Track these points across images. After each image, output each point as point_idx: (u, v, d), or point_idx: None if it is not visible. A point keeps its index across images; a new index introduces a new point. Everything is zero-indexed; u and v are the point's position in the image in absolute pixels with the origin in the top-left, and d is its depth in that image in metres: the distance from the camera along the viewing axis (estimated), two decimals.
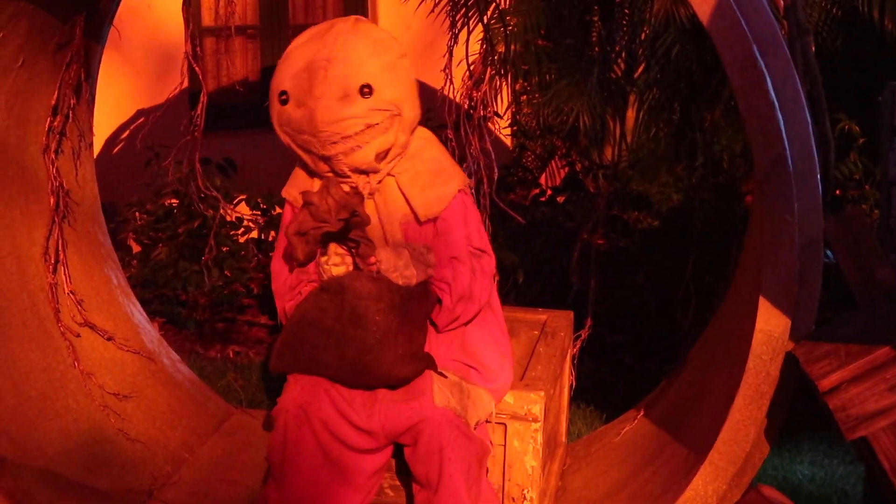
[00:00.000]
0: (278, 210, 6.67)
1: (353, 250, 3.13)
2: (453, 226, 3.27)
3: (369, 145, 3.11)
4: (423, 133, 3.34)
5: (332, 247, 3.13)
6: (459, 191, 3.28)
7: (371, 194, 3.22)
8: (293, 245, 3.10)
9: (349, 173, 3.17)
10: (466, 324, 3.32)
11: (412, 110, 3.19)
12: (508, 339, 3.50)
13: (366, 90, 3.05)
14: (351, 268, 3.14)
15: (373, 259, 3.07)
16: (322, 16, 8.55)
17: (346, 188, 3.14)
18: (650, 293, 6.29)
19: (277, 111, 3.16)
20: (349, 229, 3.07)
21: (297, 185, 3.33)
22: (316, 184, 3.26)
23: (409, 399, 3.10)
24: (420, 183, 3.25)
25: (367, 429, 3.11)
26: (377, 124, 3.09)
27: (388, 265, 3.06)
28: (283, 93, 3.12)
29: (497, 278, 4.01)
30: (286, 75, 3.13)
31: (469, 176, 4.30)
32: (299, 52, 3.14)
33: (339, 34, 3.11)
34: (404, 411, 3.09)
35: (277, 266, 3.36)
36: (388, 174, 3.24)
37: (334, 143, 3.08)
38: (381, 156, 3.16)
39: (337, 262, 3.14)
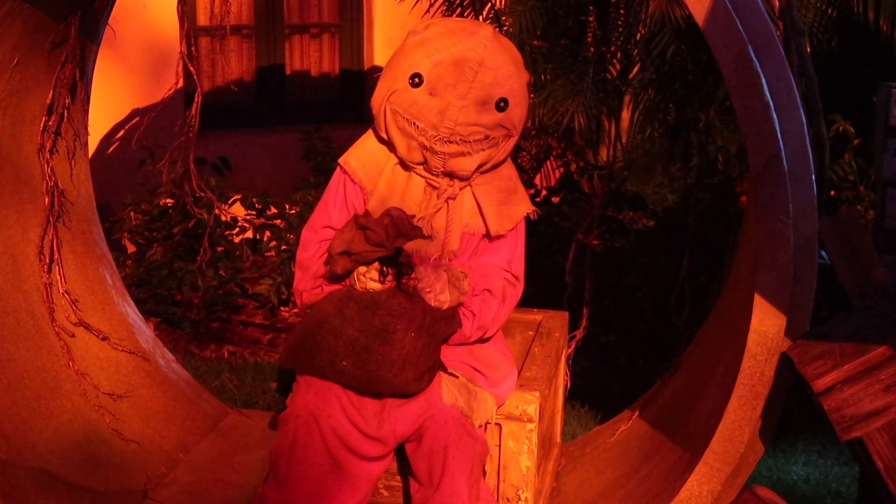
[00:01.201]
0: (273, 210, 6.66)
1: (402, 272, 3.11)
2: (504, 247, 3.32)
3: (478, 155, 3.14)
4: None
5: (376, 263, 3.12)
6: (527, 214, 3.34)
7: (450, 199, 3.23)
8: (334, 261, 3.09)
9: (440, 172, 3.18)
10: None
11: (520, 134, 3.24)
12: (508, 346, 3.52)
13: (502, 104, 3.10)
14: (387, 285, 3.12)
15: (413, 275, 3.07)
16: (317, 16, 8.55)
17: (420, 194, 3.17)
18: (645, 293, 6.30)
19: (399, 90, 3.13)
20: (400, 255, 3.06)
21: (362, 161, 3.30)
22: (391, 171, 3.25)
23: (416, 398, 3.10)
24: (496, 198, 3.28)
25: (378, 437, 3.10)
26: (494, 138, 3.13)
27: (425, 284, 3.07)
28: (418, 75, 3.10)
29: None
30: (426, 61, 3.10)
31: None
32: (445, 42, 3.11)
33: (489, 42, 3.11)
34: (412, 410, 3.09)
35: (308, 235, 3.31)
36: (469, 184, 3.25)
37: (451, 142, 3.09)
38: (480, 167, 3.19)
39: (374, 278, 3.11)
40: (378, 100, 3.19)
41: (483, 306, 3.23)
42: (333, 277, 3.17)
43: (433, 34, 3.16)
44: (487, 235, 3.29)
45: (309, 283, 3.27)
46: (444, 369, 3.15)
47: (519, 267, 3.36)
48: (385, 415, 3.10)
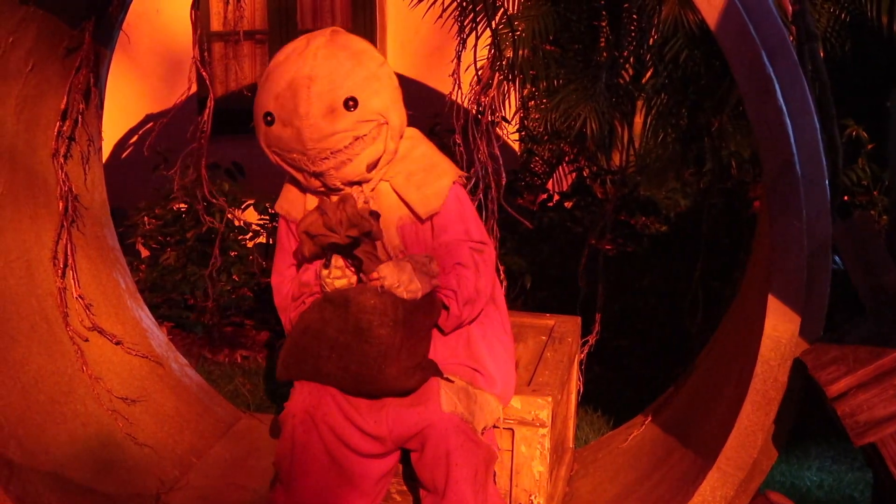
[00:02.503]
0: None
1: (356, 265, 3.13)
2: (451, 221, 3.27)
3: (359, 157, 3.11)
4: (410, 133, 3.33)
5: (335, 259, 3.13)
6: (454, 183, 3.28)
7: (366, 202, 3.22)
8: (301, 241, 3.12)
9: (342, 186, 3.17)
10: (471, 321, 3.32)
11: (398, 117, 3.18)
12: (511, 336, 3.49)
13: (350, 103, 3.04)
14: (353, 281, 3.14)
15: (375, 275, 3.07)
16: (331, 20, 8.57)
17: (362, 204, 3.15)
18: (658, 298, 6.29)
19: (264, 132, 3.16)
20: (356, 246, 3.07)
21: (289, 200, 3.35)
22: (308, 200, 3.28)
23: (416, 404, 3.10)
24: (415, 182, 3.25)
25: (375, 434, 3.11)
26: (365, 135, 3.09)
27: (391, 281, 3.05)
28: (269, 114, 3.11)
29: (504, 283, 4.01)
30: (269, 96, 3.11)
31: (476, 181, 4.31)
32: (279, 72, 3.12)
33: (318, 49, 3.09)
34: (411, 416, 3.09)
35: (277, 280, 3.38)
36: (381, 180, 3.24)
37: (324, 158, 3.08)
38: (372, 165, 3.16)
39: (338, 276, 3.14)
40: (262, 147, 3.22)
41: (460, 281, 3.20)
42: (304, 260, 3.20)
43: (272, 67, 3.17)
44: (420, 219, 3.27)
45: (291, 308, 3.30)
46: (441, 375, 3.15)
47: (479, 232, 3.32)
48: (383, 414, 3.11)
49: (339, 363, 3.07)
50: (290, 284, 3.32)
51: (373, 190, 3.23)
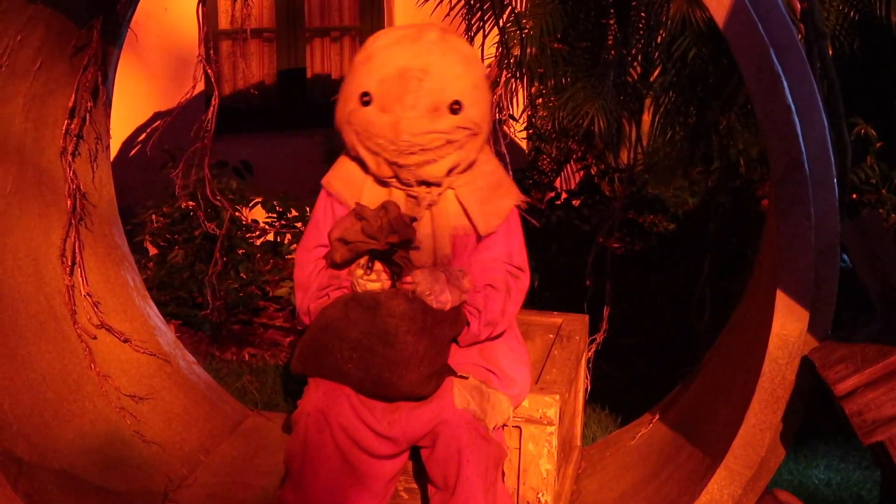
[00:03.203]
0: (294, 212, 6.68)
1: (393, 270, 3.12)
2: (498, 241, 3.28)
3: (445, 160, 3.11)
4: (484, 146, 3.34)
5: (375, 264, 3.13)
6: (514, 206, 3.30)
7: (430, 205, 3.21)
8: (333, 247, 3.11)
9: (414, 183, 3.16)
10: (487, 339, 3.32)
11: (488, 129, 3.22)
12: (524, 345, 3.50)
13: (455, 107, 3.06)
14: (387, 285, 3.14)
15: (409, 279, 3.07)
16: (338, 19, 8.58)
17: (401, 206, 3.14)
18: (666, 297, 6.29)
19: (353, 110, 3.13)
20: (394, 252, 3.07)
21: (343, 180, 3.32)
22: (368, 186, 3.25)
23: (428, 401, 3.10)
24: (479, 196, 3.25)
25: (388, 436, 3.11)
26: (457, 141, 3.10)
27: (424, 287, 3.05)
28: (367, 94, 3.09)
29: None
30: (372, 77, 3.10)
31: None
32: (387, 56, 3.11)
33: (433, 44, 3.09)
34: (424, 414, 3.09)
35: (303, 256, 3.35)
36: (449, 187, 3.23)
37: (412, 153, 3.07)
38: (451, 170, 3.16)
39: (374, 279, 3.14)
40: (340, 122, 3.20)
41: (488, 301, 3.21)
42: (333, 266, 3.19)
43: (377, 48, 3.15)
44: (478, 235, 3.27)
45: (313, 296, 3.28)
46: (454, 373, 3.15)
47: (521, 258, 3.33)
48: (397, 416, 3.10)
49: (359, 364, 3.06)
50: (314, 264, 3.30)
51: (440, 195, 3.22)
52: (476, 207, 3.23)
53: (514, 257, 3.30)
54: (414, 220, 3.11)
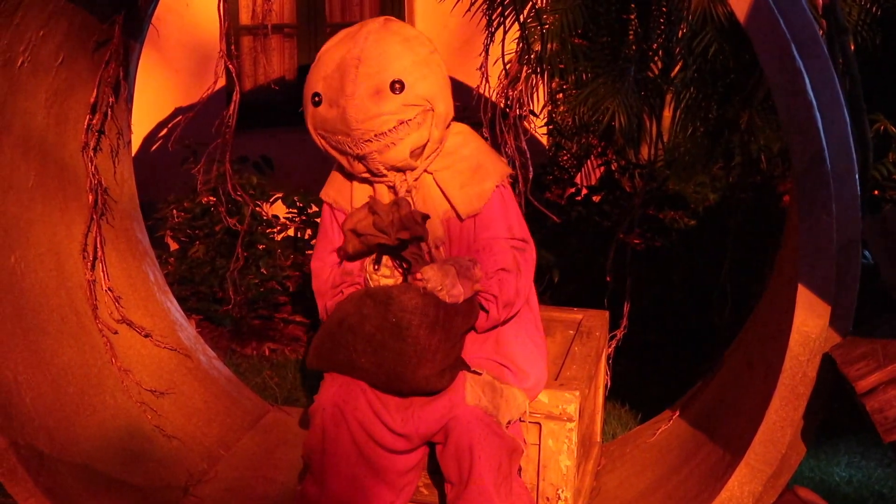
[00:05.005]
0: (314, 208, 6.70)
1: (404, 266, 3.13)
2: (494, 218, 3.27)
3: (403, 142, 3.11)
4: (461, 128, 3.34)
5: (384, 258, 3.14)
6: (497, 186, 3.27)
7: (409, 191, 3.22)
8: (346, 238, 3.13)
9: (385, 172, 3.18)
10: (506, 322, 3.32)
11: (445, 105, 3.18)
12: (543, 334, 3.49)
13: (397, 86, 3.05)
14: (399, 280, 3.15)
15: (419, 276, 3.07)
16: (359, 14, 8.58)
17: (403, 194, 3.16)
18: (686, 293, 6.27)
19: (311, 113, 3.18)
20: (404, 248, 3.07)
21: (335, 188, 3.38)
22: (355, 188, 3.30)
23: (440, 397, 3.11)
24: (459, 180, 3.25)
25: (402, 432, 3.13)
26: (410, 120, 3.09)
27: (434, 283, 3.04)
28: (316, 94, 3.13)
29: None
30: (318, 77, 3.14)
31: None
32: (330, 54, 3.15)
33: (370, 33, 3.11)
34: (436, 410, 3.10)
35: (317, 265, 3.40)
36: (426, 171, 3.24)
37: (368, 140, 3.08)
38: (417, 152, 3.16)
39: (386, 275, 3.15)
40: (309, 130, 3.24)
41: (502, 285, 3.20)
42: (346, 258, 3.22)
43: (324, 50, 3.20)
44: (459, 218, 3.27)
45: (329, 295, 3.32)
46: (468, 368, 3.16)
47: (521, 230, 3.32)
48: (410, 413, 3.12)
49: (373, 359, 3.07)
50: (329, 270, 3.34)
51: (416, 180, 3.23)
52: (456, 192, 3.24)
53: (514, 230, 3.29)
54: (426, 217, 3.11)
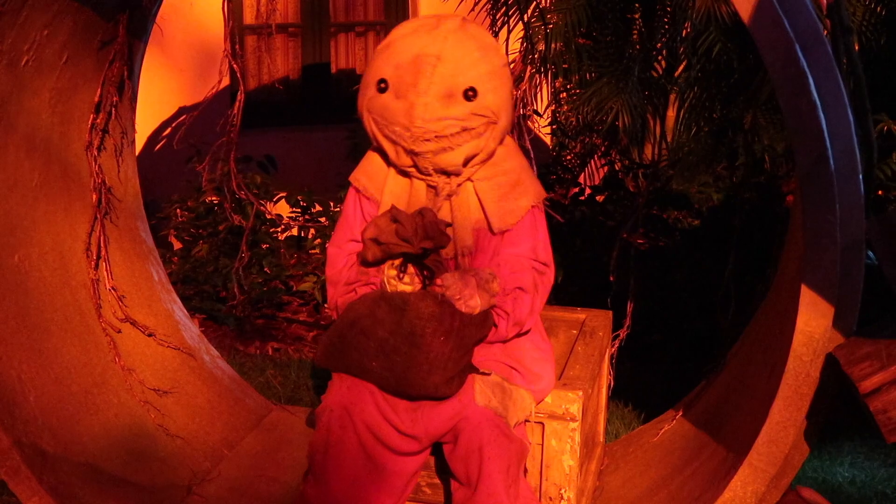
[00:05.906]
0: (318, 207, 6.70)
1: (425, 273, 3.12)
2: (522, 237, 3.26)
3: (461, 148, 3.10)
4: (507, 141, 3.33)
5: (409, 266, 3.13)
6: (533, 206, 3.28)
7: (449, 196, 3.22)
8: (366, 246, 3.11)
9: (432, 172, 3.17)
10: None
11: (507, 119, 3.19)
12: (549, 341, 3.50)
13: (470, 93, 3.04)
14: (417, 288, 3.14)
15: (438, 282, 3.06)
16: (363, 14, 8.59)
17: (444, 198, 3.16)
18: (689, 293, 6.27)
19: (371, 97, 3.14)
20: (426, 256, 3.07)
21: (368, 174, 3.33)
22: (391, 177, 3.26)
23: (450, 399, 3.10)
24: (497, 193, 3.24)
25: (411, 434, 3.12)
26: (473, 129, 3.08)
27: (453, 292, 3.04)
28: (383, 81, 3.10)
29: None
30: (389, 64, 3.10)
31: None
32: (404, 44, 3.11)
33: (449, 32, 3.08)
34: (445, 411, 3.09)
35: (333, 252, 3.35)
36: (468, 179, 3.23)
37: (427, 140, 3.06)
38: (469, 160, 3.15)
39: (407, 283, 3.14)
40: (360, 111, 3.21)
41: (516, 304, 3.20)
42: (364, 264, 3.19)
43: (396, 37, 3.16)
44: (491, 231, 3.26)
45: (342, 291, 3.29)
46: (476, 370, 3.15)
47: (546, 254, 3.32)
48: (419, 414, 3.11)
49: (384, 363, 3.06)
50: (345, 259, 3.30)
51: (459, 185, 3.22)
52: (492, 204, 3.23)
53: (539, 253, 3.29)
54: (448, 225, 3.11)
